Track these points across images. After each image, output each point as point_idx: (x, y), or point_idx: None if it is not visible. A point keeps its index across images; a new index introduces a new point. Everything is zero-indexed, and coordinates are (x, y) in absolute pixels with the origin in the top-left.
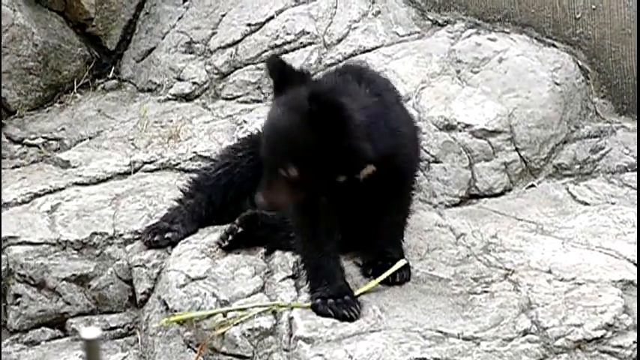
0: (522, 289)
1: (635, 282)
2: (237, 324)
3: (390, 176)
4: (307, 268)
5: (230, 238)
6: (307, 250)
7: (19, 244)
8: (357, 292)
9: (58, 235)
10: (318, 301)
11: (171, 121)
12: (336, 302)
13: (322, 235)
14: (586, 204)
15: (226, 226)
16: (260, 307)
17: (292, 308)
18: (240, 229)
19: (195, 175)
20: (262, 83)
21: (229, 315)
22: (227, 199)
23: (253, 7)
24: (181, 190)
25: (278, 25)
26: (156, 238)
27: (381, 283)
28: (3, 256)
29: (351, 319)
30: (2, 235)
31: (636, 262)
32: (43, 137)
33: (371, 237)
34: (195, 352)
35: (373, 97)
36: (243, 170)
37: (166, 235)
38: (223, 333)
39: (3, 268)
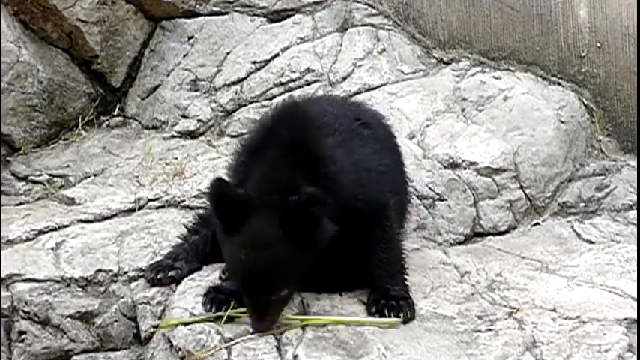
0: (527, 327)
1: None
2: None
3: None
4: None
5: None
6: None
7: (24, 280)
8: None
9: (63, 272)
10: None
11: (176, 158)
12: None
13: None
14: (591, 242)
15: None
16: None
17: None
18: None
19: (200, 211)
20: None
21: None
22: None
23: (258, 44)
24: (185, 227)
25: (283, 63)
26: (159, 276)
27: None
28: (7, 293)
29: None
30: (7, 272)
31: (637, 296)
32: (48, 174)
33: (368, 275)
34: None
35: (309, 167)
36: None
37: (169, 274)
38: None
39: (7, 305)
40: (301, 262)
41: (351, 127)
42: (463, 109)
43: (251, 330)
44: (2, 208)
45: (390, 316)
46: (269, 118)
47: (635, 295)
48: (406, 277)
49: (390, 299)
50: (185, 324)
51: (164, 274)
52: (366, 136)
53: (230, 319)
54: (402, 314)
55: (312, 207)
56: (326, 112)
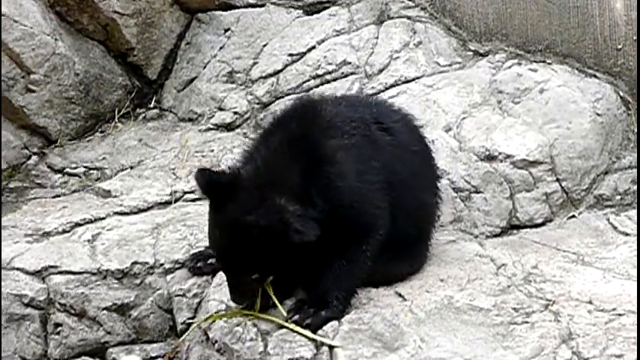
0: (563, 320)
1: None
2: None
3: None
4: None
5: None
6: None
7: (60, 273)
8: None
9: (99, 265)
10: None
11: (213, 150)
12: None
13: None
14: (627, 234)
15: None
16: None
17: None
18: None
19: None
20: None
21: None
22: None
23: (295, 37)
24: None
25: (319, 55)
26: (199, 265)
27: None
28: (43, 286)
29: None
30: (43, 265)
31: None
32: (84, 166)
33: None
34: None
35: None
36: None
37: (209, 261)
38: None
39: (43, 297)
40: (271, 253)
41: (366, 132)
42: (499, 102)
43: (282, 321)
44: (38, 200)
45: (298, 319)
46: (284, 109)
47: None
48: (349, 301)
49: (313, 306)
50: (221, 317)
51: (204, 262)
52: (382, 142)
53: (264, 310)
54: (307, 320)
55: (279, 214)
56: (339, 114)
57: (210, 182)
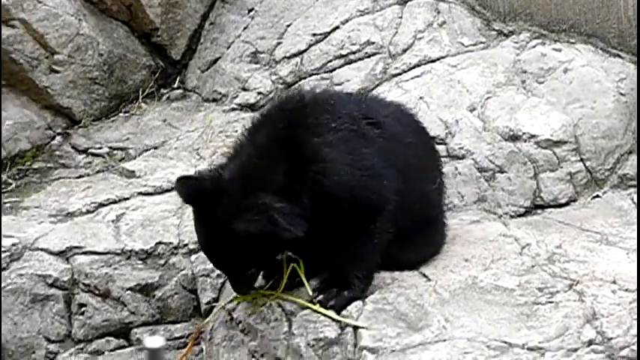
0: (587, 300)
1: None
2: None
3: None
4: None
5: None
6: None
7: (84, 253)
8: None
9: (123, 245)
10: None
11: (237, 131)
12: None
13: None
14: None
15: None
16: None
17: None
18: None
19: None
20: None
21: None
22: None
23: (319, 17)
24: None
25: (343, 35)
26: None
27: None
28: (67, 266)
29: None
30: (67, 245)
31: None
32: (108, 147)
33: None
34: None
35: (284, 170)
36: None
37: None
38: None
39: (67, 278)
40: (263, 251)
41: (353, 127)
42: (523, 82)
43: (307, 301)
44: (62, 180)
45: (322, 299)
46: (272, 105)
47: None
48: (370, 280)
49: (335, 287)
50: (245, 298)
51: None
52: (371, 136)
53: (289, 290)
54: (331, 301)
55: (266, 213)
56: (326, 111)
57: (192, 191)
